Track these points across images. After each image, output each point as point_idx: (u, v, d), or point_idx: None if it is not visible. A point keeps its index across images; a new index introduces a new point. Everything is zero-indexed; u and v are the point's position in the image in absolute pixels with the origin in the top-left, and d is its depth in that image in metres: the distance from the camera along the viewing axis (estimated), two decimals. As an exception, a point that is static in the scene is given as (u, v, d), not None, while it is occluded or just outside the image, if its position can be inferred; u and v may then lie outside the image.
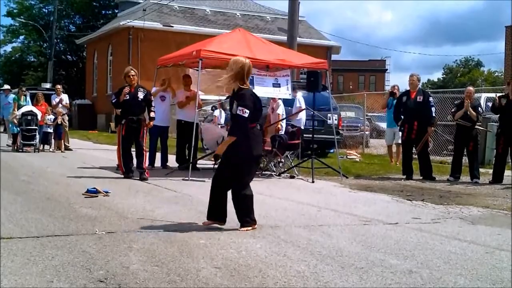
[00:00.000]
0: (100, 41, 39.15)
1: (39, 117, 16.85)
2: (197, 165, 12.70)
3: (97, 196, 8.18)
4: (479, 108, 12.22)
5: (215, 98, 18.51)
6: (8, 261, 4.60)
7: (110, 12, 51.60)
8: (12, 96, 18.84)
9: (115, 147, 12.72)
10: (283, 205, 8.16)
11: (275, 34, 34.53)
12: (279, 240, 5.67)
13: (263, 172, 12.33)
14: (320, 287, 4.21)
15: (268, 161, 12.62)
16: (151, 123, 11.15)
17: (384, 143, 16.81)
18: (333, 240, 5.79)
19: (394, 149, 15.56)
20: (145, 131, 11.00)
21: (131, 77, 10.86)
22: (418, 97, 12.18)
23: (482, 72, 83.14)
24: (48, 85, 34.92)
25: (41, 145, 17.25)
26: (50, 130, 17.31)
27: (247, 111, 6.06)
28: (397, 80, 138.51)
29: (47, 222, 6.25)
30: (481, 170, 12.51)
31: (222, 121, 13.77)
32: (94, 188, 8.43)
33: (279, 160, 12.65)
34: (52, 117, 17.32)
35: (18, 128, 16.91)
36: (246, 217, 6.22)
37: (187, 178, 10.77)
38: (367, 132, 21.09)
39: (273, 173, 12.27)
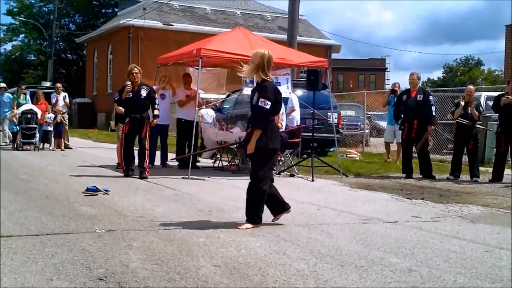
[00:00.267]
0: (100, 40, 39.15)
1: (39, 116, 16.87)
2: (197, 164, 12.71)
3: (97, 195, 8.19)
4: (479, 107, 12.22)
5: (215, 97, 18.52)
6: (7, 259, 4.60)
7: (110, 10, 51.64)
8: (7, 94, 18.68)
9: (115, 146, 12.75)
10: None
11: (275, 32, 34.51)
12: (279, 239, 5.67)
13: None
14: (320, 286, 4.21)
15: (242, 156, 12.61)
16: (155, 121, 11.12)
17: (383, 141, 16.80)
18: (333, 238, 5.79)
19: (394, 147, 15.55)
20: (148, 129, 10.96)
21: (135, 74, 10.82)
22: (418, 96, 12.18)
23: (482, 71, 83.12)
24: (48, 84, 34.89)
25: (41, 144, 17.26)
26: (50, 128, 17.33)
27: (269, 103, 6.13)
28: (397, 79, 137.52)
29: (46, 220, 6.25)
30: (481, 168, 12.51)
31: (210, 120, 13.74)
32: (94, 186, 8.44)
33: (279, 158, 12.64)
34: (52, 115, 17.33)
35: (18, 127, 16.91)
36: (253, 214, 6.24)
37: (187, 177, 10.78)
38: (367, 131, 21.09)
39: (273, 172, 12.25)
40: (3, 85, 19.43)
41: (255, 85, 11.49)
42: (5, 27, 53.17)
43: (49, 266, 4.45)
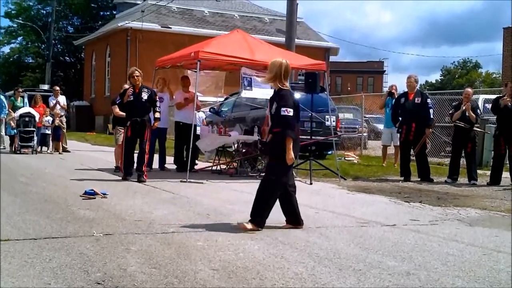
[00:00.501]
0: (98, 42, 39.13)
1: (37, 119, 16.84)
2: (195, 167, 12.71)
3: (94, 198, 8.18)
4: (477, 110, 12.23)
5: (213, 100, 18.51)
6: (5, 263, 4.59)
7: (108, 13, 51.56)
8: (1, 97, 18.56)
9: (113, 149, 12.74)
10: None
11: (273, 35, 34.53)
12: (277, 242, 5.67)
13: (261, 174, 12.32)
14: (318, 289, 4.21)
15: (266, 162, 12.62)
16: (156, 124, 11.10)
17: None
18: (331, 241, 5.79)
19: (392, 150, 15.56)
20: (149, 132, 10.94)
21: (136, 77, 10.81)
22: (416, 99, 12.18)
23: (480, 73, 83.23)
24: (46, 87, 34.87)
25: (39, 147, 17.24)
26: (48, 131, 17.30)
27: (291, 110, 6.27)
28: (396, 81, 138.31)
29: (44, 224, 6.24)
30: (479, 171, 12.53)
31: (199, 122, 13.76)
32: (92, 189, 8.43)
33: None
34: (50, 118, 17.31)
35: (16, 130, 16.88)
36: (258, 216, 6.27)
37: (185, 180, 10.77)
38: (365, 134, 21.09)
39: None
40: None
41: (253, 86, 11.60)
42: (3, 30, 53.20)
43: (47, 270, 4.44)
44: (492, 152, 12.88)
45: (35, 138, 16.80)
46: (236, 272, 4.57)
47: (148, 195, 8.95)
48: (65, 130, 18.22)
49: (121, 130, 12.43)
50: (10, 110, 17.80)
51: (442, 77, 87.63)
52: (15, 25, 52.32)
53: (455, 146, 12.28)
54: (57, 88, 19.15)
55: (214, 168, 13.16)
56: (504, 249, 5.73)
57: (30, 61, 54.51)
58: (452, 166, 12.12)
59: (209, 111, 17.63)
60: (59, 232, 5.82)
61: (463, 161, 12.29)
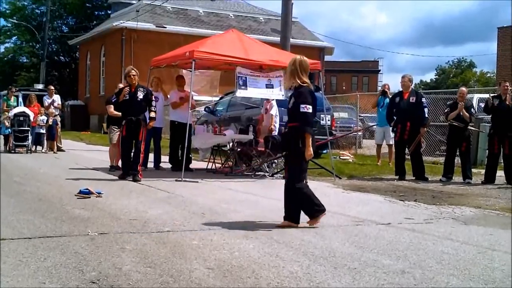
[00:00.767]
0: (93, 42, 39.07)
1: (31, 118, 16.80)
2: (190, 166, 12.70)
3: (89, 197, 8.16)
4: (472, 109, 12.26)
5: (208, 99, 18.51)
6: (0, 262, 4.58)
7: (103, 13, 51.52)
8: None
9: (108, 148, 12.71)
10: (276, 205, 8.13)
11: (268, 35, 34.54)
12: (272, 241, 5.67)
13: (256, 173, 12.33)
14: (313, 288, 4.21)
15: (261, 162, 12.63)
16: (151, 123, 11.09)
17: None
18: (326, 240, 5.79)
19: (386, 149, 15.59)
20: (144, 132, 10.92)
21: (132, 76, 10.80)
22: (411, 98, 12.21)
23: (475, 73, 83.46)
24: (40, 86, 34.78)
25: (34, 146, 17.20)
26: (43, 131, 17.27)
27: (310, 107, 6.33)
28: (391, 81, 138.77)
29: (39, 223, 6.23)
30: (473, 170, 12.56)
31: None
32: (87, 189, 8.41)
33: (272, 160, 12.65)
34: (44, 118, 17.27)
35: (10, 129, 16.84)
36: (310, 210, 6.46)
37: (180, 179, 10.76)
38: (360, 133, 21.12)
39: (266, 174, 12.26)
40: None
41: (248, 86, 11.59)
42: (-3, 29, 53.03)
43: (42, 269, 4.43)
44: (487, 151, 12.93)
45: (30, 137, 16.77)
46: (231, 271, 4.56)
47: (143, 194, 8.94)
48: (59, 130, 18.19)
49: (115, 129, 12.43)
50: (5, 108, 17.77)
51: (437, 77, 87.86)
52: (9, 25, 52.26)
53: (449, 145, 12.31)
54: (52, 87, 19.11)
55: (209, 167, 13.16)
56: (498, 247, 5.74)
57: (25, 60, 54.41)
58: (447, 165, 12.15)
59: (204, 110, 17.63)
60: (54, 231, 5.81)
61: (457, 160, 12.32)
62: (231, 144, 13.09)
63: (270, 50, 13.16)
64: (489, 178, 11.59)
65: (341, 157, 16.85)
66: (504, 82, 12.16)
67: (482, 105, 13.93)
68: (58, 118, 18.12)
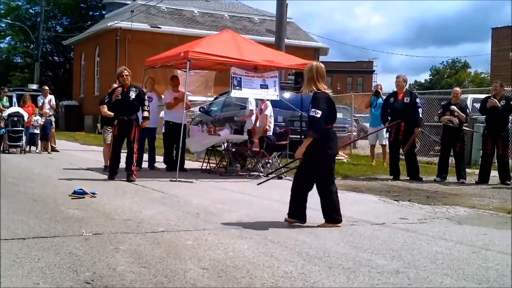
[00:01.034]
0: (87, 42, 38.99)
1: (25, 118, 16.77)
2: (185, 166, 12.69)
3: (83, 197, 8.15)
4: (466, 109, 12.29)
5: (203, 99, 18.50)
6: (-7, 263, 4.57)
7: (97, 13, 51.39)
8: None
9: (102, 148, 12.69)
10: (271, 205, 8.17)
11: (263, 35, 34.55)
12: (267, 241, 5.67)
13: (251, 173, 12.33)
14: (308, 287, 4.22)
15: (255, 162, 12.63)
16: (145, 123, 11.07)
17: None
18: (321, 240, 5.80)
19: (380, 149, 15.61)
20: (136, 131, 10.91)
21: (125, 76, 10.80)
22: (405, 98, 12.23)
23: (469, 73, 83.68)
24: (34, 86, 34.68)
25: (28, 146, 17.16)
26: (37, 131, 17.23)
27: (319, 111, 6.42)
28: (385, 81, 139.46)
29: (33, 223, 6.21)
30: (467, 170, 12.58)
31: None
32: (81, 189, 8.39)
33: (266, 161, 12.66)
34: (39, 118, 17.24)
35: (4, 130, 16.79)
36: (333, 213, 6.59)
37: (174, 179, 10.75)
38: (354, 133, 21.13)
39: (260, 174, 12.26)
40: None
41: (243, 86, 11.59)
42: (-9, 30, 52.86)
43: (36, 270, 4.42)
44: (481, 151, 12.96)
45: (24, 137, 16.73)
46: (226, 271, 4.56)
47: (137, 194, 8.92)
48: (53, 130, 18.14)
49: (109, 129, 12.40)
50: (1, 108, 17.72)
51: (431, 77, 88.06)
52: (3, 25, 52.11)
53: (444, 145, 12.34)
54: (46, 87, 19.06)
55: (204, 167, 13.15)
56: (492, 247, 5.76)
57: (19, 61, 54.26)
58: (441, 165, 12.18)
59: (199, 110, 17.62)
60: (48, 232, 5.80)
61: (452, 160, 12.35)
62: (225, 144, 13.09)
63: (264, 50, 13.17)
64: (483, 178, 11.63)
65: (337, 158, 16.84)
66: (495, 83, 12.21)
67: (476, 105, 13.97)
68: (53, 119, 18.08)
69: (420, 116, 12.29)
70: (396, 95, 12.46)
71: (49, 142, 17.51)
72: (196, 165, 13.79)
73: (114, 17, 36.72)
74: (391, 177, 12.16)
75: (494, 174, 11.83)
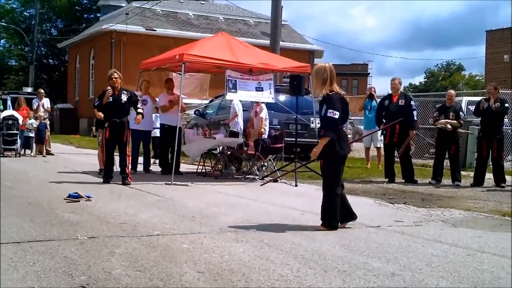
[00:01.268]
0: (82, 45, 38.93)
1: (20, 122, 16.72)
2: (180, 169, 12.67)
3: (79, 201, 8.13)
4: (461, 112, 12.32)
5: (198, 102, 18.49)
6: (-12, 267, 4.55)
7: (92, 16, 51.33)
8: None
9: (97, 152, 12.67)
10: (267, 208, 8.17)
11: (258, 38, 34.56)
12: (263, 244, 5.67)
13: (246, 176, 12.33)
14: (303, 291, 4.22)
15: (251, 165, 12.63)
16: (139, 117, 11.01)
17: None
18: (316, 243, 5.80)
19: (375, 152, 15.63)
20: (128, 134, 10.91)
21: (114, 79, 10.80)
22: (400, 101, 12.25)
23: (464, 76, 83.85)
24: (29, 89, 34.62)
25: (22, 150, 17.12)
26: (32, 134, 17.19)
27: (337, 112, 6.46)
28: (380, 84, 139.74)
29: (28, 227, 6.20)
30: (462, 173, 12.60)
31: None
32: (76, 193, 8.38)
33: (262, 164, 12.66)
34: (33, 121, 17.20)
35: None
36: (330, 218, 6.57)
37: (170, 182, 10.74)
38: (349, 136, 21.13)
39: (256, 177, 12.26)
40: None
41: (238, 89, 11.59)
42: (-14, 33, 52.73)
43: (31, 274, 4.41)
44: (476, 153, 12.99)
45: (19, 141, 16.69)
46: (222, 274, 4.56)
47: (132, 198, 8.91)
48: (48, 133, 18.11)
49: (104, 132, 12.37)
50: None
51: (426, 80, 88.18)
52: (-2, 28, 51.94)
53: (439, 147, 12.37)
54: (42, 90, 19.05)
55: (199, 170, 13.15)
56: (487, 249, 5.77)
57: (14, 63, 54.11)
58: (436, 168, 12.20)
59: (194, 113, 17.61)
60: (43, 236, 5.78)
61: (446, 163, 12.37)
62: (221, 147, 13.08)
63: (259, 53, 13.18)
64: (478, 181, 11.66)
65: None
66: (490, 85, 12.25)
67: (471, 107, 14.02)
68: (48, 122, 18.05)
69: (415, 118, 12.32)
70: (391, 97, 12.48)
71: (44, 146, 17.47)
72: (192, 168, 13.78)
73: (108, 19, 36.68)
74: (386, 179, 12.17)
75: (489, 176, 11.86)
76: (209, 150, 13.26)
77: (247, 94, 11.92)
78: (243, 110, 15.17)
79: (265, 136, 12.59)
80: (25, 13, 52.78)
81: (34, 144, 17.40)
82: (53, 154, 17.73)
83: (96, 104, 11.00)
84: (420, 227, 7.00)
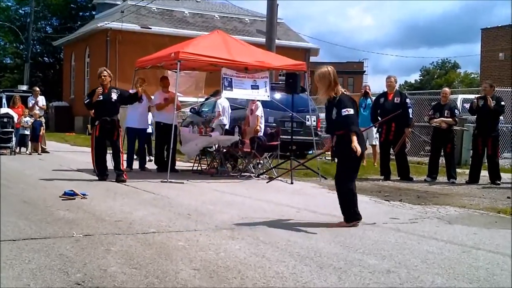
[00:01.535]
0: (77, 43, 38.84)
1: (15, 120, 16.68)
2: (176, 167, 12.67)
3: (74, 199, 8.12)
4: (456, 110, 12.34)
5: (194, 100, 18.48)
6: (-17, 265, 4.54)
7: (87, 13, 51.17)
8: None
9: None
10: (262, 206, 8.17)
11: (253, 36, 34.53)
12: (258, 241, 5.67)
13: (242, 174, 12.33)
14: (299, 288, 4.22)
15: (247, 162, 12.63)
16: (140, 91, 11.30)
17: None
18: (312, 241, 5.80)
19: (370, 149, 15.65)
20: (120, 131, 10.94)
21: (103, 77, 10.84)
22: (395, 99, 12.27)
23: (459, 73, 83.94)
24: (24, 87, 34.51)
25: (18, 148, 17.08)
26: (27, 132, 17.15)
27: (351, 109, 6.58)
28: (375, 82, 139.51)
29: (23, 225, 6.18)
30: (457, 170, 12.64)
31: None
32: (72, 190, 8.37)
33: (258, 161, 12.67)
34: (29, 119, 17.17)
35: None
36: (349, 213, 6.68)
37: (165, 180, 10.73)
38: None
39: (252, 175, 12.27)
40: None
41: (234, 87, 11.57)
42: (-20, 31, 52.50)
43: (26, 272, 4.40)
44: (471, 151, 13.02)
45: (14, 139, 16.65)
46: (217, 271, 4.56)
47: (128, 195, 8.90)
48: (44, 131, 18.07)
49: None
50: None
51: (421, 78, 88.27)
52: (-8, 26, 51.75)
53: (434, 145, 12.40)
54: (37, 89, 19.01)
55: (195, 168, 13.14)
56: (483, 246, 5.79)
57: (9, 61, 53.91)
58: (431, 165, 12.23)
59: (190, 111, 17.60)
60: (39, 233, 5.77)
61: (442, 160, 12.40)
62: (216, 145, 13.08)
63: (255, 51, 13.17)
64: (473, 178, 11.69)
65: (326, 158, 16.88)
66: (485, 83, 12.28)
67: (466, 105, 14.04)
68: (43, 120, 18.01)
69: (411, 116, 12.34)
70: (386, 95, 12.50)
71: (39, 143, 17.44)
72: (187, 166, 13.77)
73: (104, 17, 36.60)
74: (382, 177, 12.19)
75: (484, 174, 11.89)
76: (204, 148, 13.25)
77: (242, 92, 11.92)
78: (239, 108, 15.19)
79: (261, 134, 12.59)
80: (20, 11, 52.62)
81: (29, 142, 17.36)
82: (48, 152, 17.69)
83: (85, 102, 11.03)
84: (416, 224, 7.02)
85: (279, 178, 11.91)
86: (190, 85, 14.37)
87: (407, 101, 12.34)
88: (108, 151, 10.89)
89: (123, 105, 12.12)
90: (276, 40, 19.46)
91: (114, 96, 10.79)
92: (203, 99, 17.73)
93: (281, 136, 12.65)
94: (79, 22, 48.21)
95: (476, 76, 66.72)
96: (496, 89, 12.69)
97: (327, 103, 6.81)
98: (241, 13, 39.85)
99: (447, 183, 11.65)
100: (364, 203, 8.80)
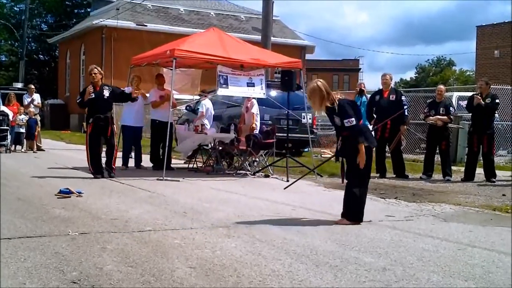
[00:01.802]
0: (72, 41, 38.74)
1: (10, 118, 16.64)
2: (172, 165, 12.66)
3: (70, 197, 8.10)
4: (451, 108, 12.36)
5: (190, 98, 18.46)
6: (-21, 263, 4.53)
7: (82, 11, 51.08)
8: None
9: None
10: (258, 204, 8.17)
11: (249, 33, 34.51)
12: (254, 240, 5.68)
13: (238, 172, 12.33)
14: (295, 286, 4.22)
15: (242, 160, 12.63)
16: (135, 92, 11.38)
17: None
18: (308, 238, 5.81)
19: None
20: (114, 128, 10.95)
21: (93, 75, 10.86)
22: (391, 96, 12.29)
23: (454, 71, 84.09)
24: (19, 85, 34.42)
25: (13, 146, 17.04)
26: (22, 130, 17.11)
27: (352, 118, 6.54)
28: (371, 79, 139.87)
29: (19, 223, 6.17)
30: (453, 168, 12.67)
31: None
32: (67, 188, 8.34)
33: (253, 159, 12.66)
34: (24, 117, 17.12)
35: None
36: (358, 212, 6.70)
37: (161, 178, 10.72)
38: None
39: (247, 173, 12.27)
40: None
41: (229, 84, 11.57)
42: (-25, 28, 52.30)
43: (22, 270, 4.39)
44: (466, 148, 13.05)
45: (9, 137, 16.60)
46: (213, 269, 4.56)
47: (124, 193, 8.89)
48: (39, 129, 18.03)
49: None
50: None
51: (416, 75, 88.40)
52: (-13, 23, 51.56)
53: (429, 143, 12.41)
54: (32, 86, 18.97)
55: (190, 166, 13.13)
56: (478, 244, 5.80)
57: (3, 59, 53.72)
58: (427, 163, 12.25)
59: (185, 109, 17.57)
60: (34, 232, 5.76)
61: (437, 158, 12.42)
62: (212, 143, 13.07)
63: (251, 48, 13.17)
64: (469, 176, 11.71)
65: (322, 155, 16.90)
66: (481, 81, 12.30)
67: (461, 103, 14.07)
68: (38, 117, 17.97)
69: (406, 114, 12.36)
70: (381, 93, 12.52)
71: (35, 141, 17.40)
72: (183, 163, 13.76)
73: (99, 15, 36.52)
74: (378, 175, 12.20)
75: (479, 171, 11.92)
76: (200, 145, 13.25)
77: (238, 89, 11.91)
78: (235, 106, 15.19)
79: (257, 131, 12.59)
80: (15, 8, 52.44)
81: (24, 140, 17.32)
82: (44, 150, 17.65)
83: (78, 101, 11.04)
84: (411, 222, 7.03)
85: (275, 175, 11.92)
86: (186, 82, 14.36)
87: (402, 98, 12.36)
88: (103, 148, 10.89)
89: (117, 103, 12.15)
90: (272, 38, 19.44)
91: (106, 93, 10.80)
92: (198, 97, 17.71)
93: (276, 134, 12.64)
94: (74, 20, 48.10)
95: (471, 73, 66.80)
96: (494, 87, 12.71)
97: (327, 112, 6.83)
98: (237, 10, 39.82)
99: (442, 181, 11.67)
100: (360, 200, 8.83)
